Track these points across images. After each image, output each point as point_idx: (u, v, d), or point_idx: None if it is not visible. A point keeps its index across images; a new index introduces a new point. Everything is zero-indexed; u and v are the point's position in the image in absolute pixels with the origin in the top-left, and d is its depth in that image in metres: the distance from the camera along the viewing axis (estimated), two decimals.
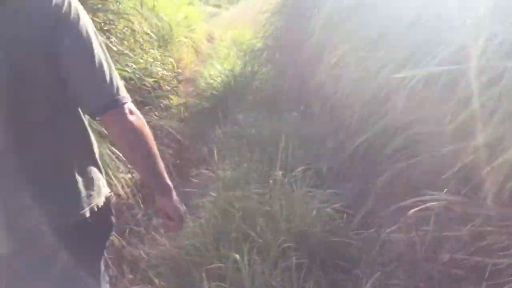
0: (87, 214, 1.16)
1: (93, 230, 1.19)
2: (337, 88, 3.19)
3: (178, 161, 3.85)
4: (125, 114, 1.10)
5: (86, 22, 1.10)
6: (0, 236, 1.09)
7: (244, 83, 5.53)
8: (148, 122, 1.22)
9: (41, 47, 1.05)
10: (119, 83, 1.13)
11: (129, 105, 1.13)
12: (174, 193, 1.28)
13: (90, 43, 1.08)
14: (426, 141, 1.96)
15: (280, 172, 2.49)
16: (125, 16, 4.00)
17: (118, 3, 3.96)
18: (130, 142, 1.15)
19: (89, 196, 1.18)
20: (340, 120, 3.03)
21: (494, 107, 1.60)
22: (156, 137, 1.69)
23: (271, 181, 2.50)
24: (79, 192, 1.16)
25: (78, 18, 1.08)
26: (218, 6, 29.91)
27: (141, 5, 4.66)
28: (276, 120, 3.79)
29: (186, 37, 7.92)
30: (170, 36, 6.41)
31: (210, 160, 3.41)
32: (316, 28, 3.89)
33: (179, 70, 6.17)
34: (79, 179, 1.16)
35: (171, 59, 5.76)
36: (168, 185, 1.25)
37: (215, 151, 3.12)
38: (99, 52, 1.10)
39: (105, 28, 3.76)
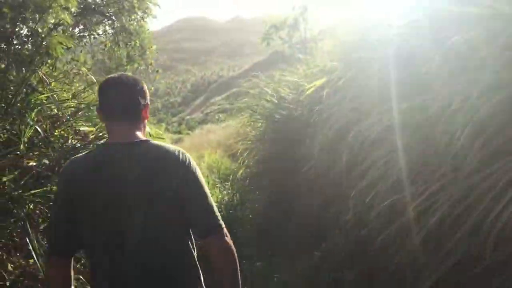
0: None
1: None
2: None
3: None
4: (224, 236, 1.56)
5: (197, 169, 1.60)
6: None
7: (234, 215, 5.28)
8: None
9: (171, 185, 1.52)
10: (218, 213, 1.59)
11: (225, 230, 1.57)
12: None
13: (202, 185, 1.58)
14: None
15: None
16: None
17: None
18: (226, 258, 1.55)
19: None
20: None
21: None
22: None
23: None
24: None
25: (195, 168, 1.59)
26: (179, 132, 31.55)
27: None
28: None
29: None
30: None
31: None
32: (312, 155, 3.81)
33: None
34: (192, 279, 1.63)
35: None
36: None
37: None
38: (207, 191, 1.60)
39: None
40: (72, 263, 1.63)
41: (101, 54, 7.23)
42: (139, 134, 1.62)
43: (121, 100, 1.61)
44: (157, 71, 6.61)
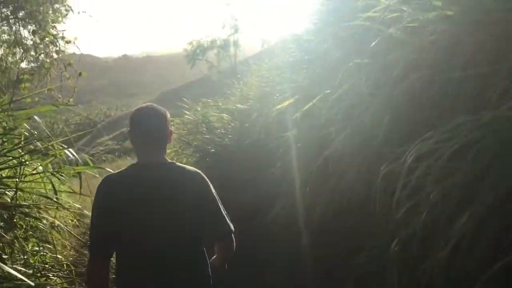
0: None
1: None
2: None
3: None
4: (232, 239, 2.05)
5: (212, 187, 2.00)
6: None
7: None
8: None
9: (195, 201, 1.91)
10: (228, 219, 2.01)
11: (233, 232, 2.05)
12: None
13: (218, 201, 2.00)
14: None
15: None
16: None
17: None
18: (229, 252, 2.08)
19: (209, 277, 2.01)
20: None
21: None
22: None
23: None
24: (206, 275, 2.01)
25: (211, 186, 1.99)
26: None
27: None
28: None
29: None
30: None
31: None
32: None
33: None
34: (205, 268, 2.00)
35: None
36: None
37: None
38: (221, 204, 2.01)
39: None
40: (109, 263, 1.92)
41: None
42: (165, 156, 1.99)
43: (152, 127, 1.91)
44: (80, 74, 5.34)
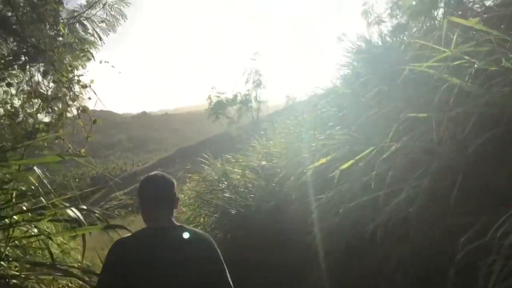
0: None
1: None
2: None
3: None
4: None
5: (218, 250, 2.01)
6: None
7: None
8: None
9: (204, 267, 1.91)
10: (230, 281, 1.98)
11: None
12: None
13: (223, 263, 1.99)
14: None
15: None
16: None
17: None
18: None
19: None
20: None
21: None
22: None
23: None
24: None
25: (219, 254, 2.00)
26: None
27: None
28: None
29: None
30: None
31: None
32: None
33: None
34: None
35: None
36: None
37: None
38: (227, 273, 1.98)
39: None
40: None
41: None
42: (173, 220, 2.06)
43: (162, 192, 2.04)
44: (94, 121, 4.91)
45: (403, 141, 2.46)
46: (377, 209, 2.59)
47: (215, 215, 4.83)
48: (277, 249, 3.52)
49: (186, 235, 1.97)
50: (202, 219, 5.15)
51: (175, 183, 2.10)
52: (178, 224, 2.03)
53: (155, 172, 2.13)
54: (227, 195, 4.71)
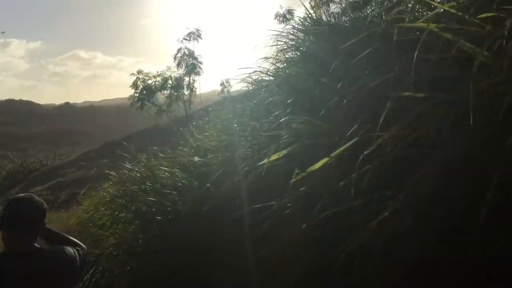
0: None
1: None
2: None
3: None
4: None
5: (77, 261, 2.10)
6: None
7: None
8: None
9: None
10: None
11: None
12: None
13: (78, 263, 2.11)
14: None
15: None
16: None
17: None
18: None
19: None
20: None
21: None
22: None
23: None
24: None
25: (75, 261, 2.11)
26: None
27: None
28: None
29: None
30: None
31: None
32: None
33: None
34: None
35: None
36: None
37: None
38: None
39: None
40: None
41: None
42: (35, 244, 2.01)
43: (24, 216, 1.97)
44: None
45: (394, 130, 1.76)
46: (355, 224, 1.88)
47: (136, 222, 3.95)
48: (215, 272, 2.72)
49: (35, 264, 1.90)
50: (119, 225, 4.23)
51: (44, 207, 2.06)
52: (38, 246, 1.99)
53: (25, 194, 2.10)
54: (151, 198, 3.84)
